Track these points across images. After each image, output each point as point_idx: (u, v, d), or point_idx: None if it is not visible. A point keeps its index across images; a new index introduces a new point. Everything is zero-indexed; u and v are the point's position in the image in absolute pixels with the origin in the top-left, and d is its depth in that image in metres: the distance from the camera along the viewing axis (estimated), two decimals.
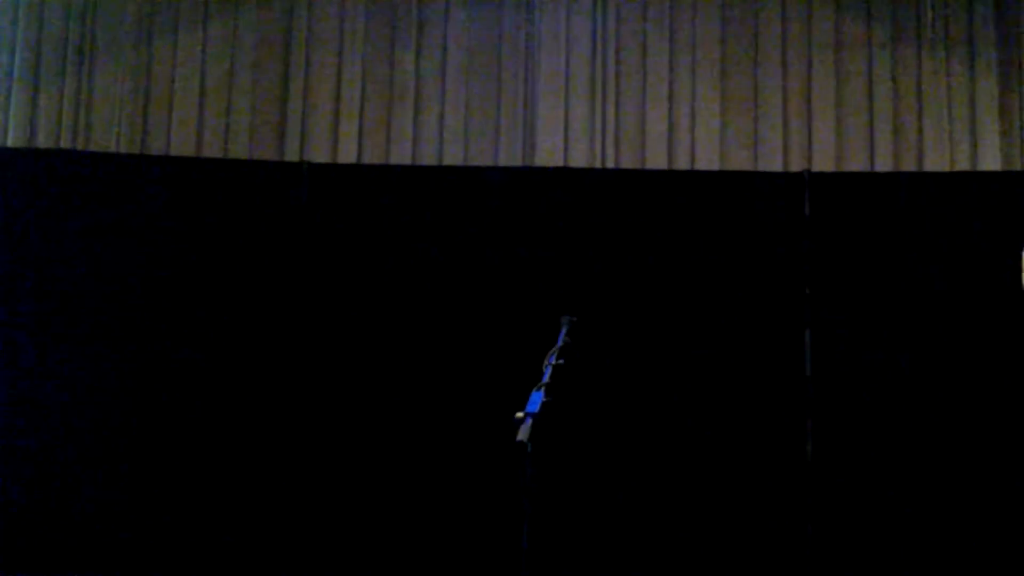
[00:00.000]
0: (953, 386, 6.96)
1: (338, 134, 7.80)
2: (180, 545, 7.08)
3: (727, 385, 7.05)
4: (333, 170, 7.55)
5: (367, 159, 7.76)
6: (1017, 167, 7.56)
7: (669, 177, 7.44)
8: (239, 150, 7.83)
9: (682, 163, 7.63)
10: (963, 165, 7.60)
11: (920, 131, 7.66)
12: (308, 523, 7.06)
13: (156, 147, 7.84)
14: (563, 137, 7.66)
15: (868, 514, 6.91)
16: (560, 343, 5.03)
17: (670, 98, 7.69)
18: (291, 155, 7.76)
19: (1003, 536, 6.81)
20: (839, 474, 6.94)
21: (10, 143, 7.81)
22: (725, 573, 6.91)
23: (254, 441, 7.15)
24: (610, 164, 7.65)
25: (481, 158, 7.72)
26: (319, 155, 7.74)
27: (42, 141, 7.84)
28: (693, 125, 7.65)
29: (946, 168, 7.58)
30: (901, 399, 6.99)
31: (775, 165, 7.60)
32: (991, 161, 7.61)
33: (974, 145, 7.66)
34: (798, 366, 7.01)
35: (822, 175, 7.40)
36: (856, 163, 7.62)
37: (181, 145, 7.81)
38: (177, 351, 7.25)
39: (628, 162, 7.64)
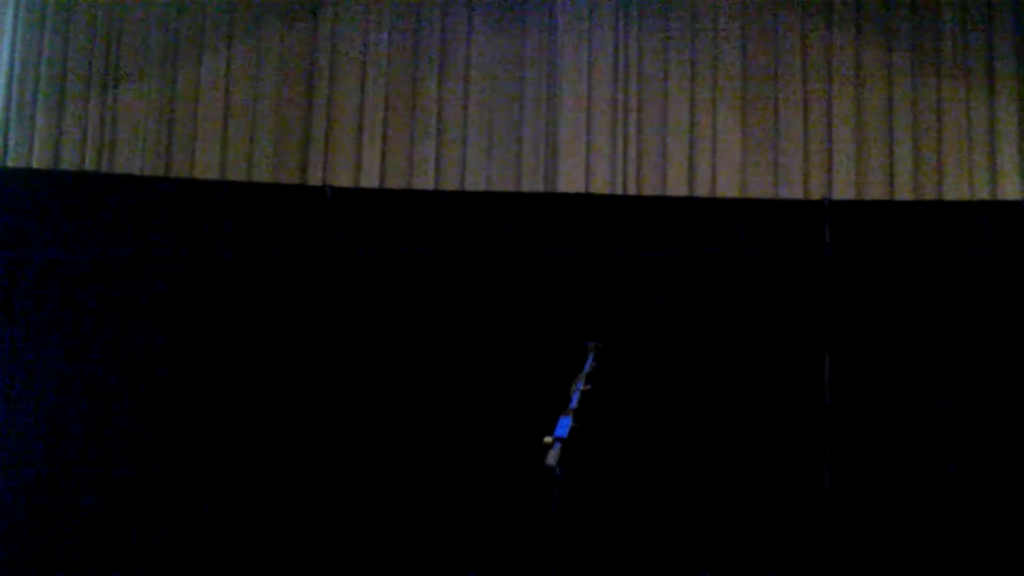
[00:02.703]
0: (972, 414, 6.98)
1: (361, 158, 7.84)
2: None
3: (747, 411, 7.07)
4: (356, 194, 7.60)
5: (389, 183, 7.79)
6: None
7: (690, 204, 7.48)
8: (262, 173, 7.86)
9: (703, 189, 7.67)
10: (983, 194, 7.63)
11: (940, 160, 7.68)
12: (329, 544, 7.09)
13: (180, 170, 7.88)
14: (585, 162, 7.70)
15: (886, 540, 6.92)
16: (587, 368, 5.08)
17: (691, 124, 7.73)
18: (314, 179, 7.79)
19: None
20: (857, 501, 6.96)
21: (34, 164, 7.84)
22: None
23: (274, 459, 7.17)
24: (631, 190, 7.68)
25: (503, 183, 7.75)
26: (342, 179, 7.78)
27: (66, 163, 7.88)
28: (714, 150, 7.68)
29: (966, 197, 7.60)
30: (920, 426, 7.00)
31: (795, 192, 7.63)
32: (1011, 190, 7.64)
33: (994, 174, 7.68)
34: (817, 393, 7.04)
35: (842, 203, 7.43)
36: (876, 191, 7.65)
37: (205, 168, 7.85)
38: (198, 371, 7.29)
39: (649, 188, 7.67)
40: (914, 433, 7.00)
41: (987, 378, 7.02)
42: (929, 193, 7.63)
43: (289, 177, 7.83)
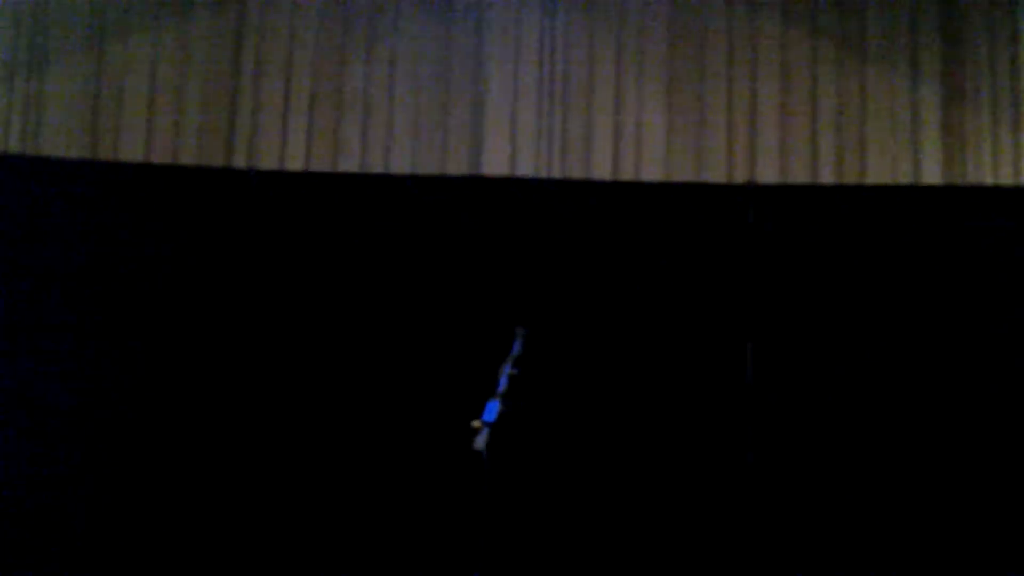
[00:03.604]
0: (894, 398, 7.04)
1: (286, 141, 7.81)
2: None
3: (671, 395, 7.11)
4: (281, 177, 7.58)
5: (315, 166, 7.77)
6: (958, 180, 7.65)
7: (614, 188, 7.51)
8: (188, 156, 7.82)
9: (627, 172, 7.69)
10: (905, 179, 7.68)
11: (863, 144, 7.73)
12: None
13: (105, 152, 7.83)
14: (510, 146, 7.70)
15: (807, 522, 6.98)
16: (515, 353, 5.11)
17: (616, 108, 7.74)
18: (239, 162, 7.76)
19: (945, 539, 6.90)
20: (779, 484, 7.01)
21: None
22: None
23: (195, 447, 7.15)
24: (556, 173, 7.69)
25: (428, 166, 7.75)
26: (267, 162, 7.75)
27: None
28: (639, 135, 7.70)
29: (888, 181, 7.65)
30: (841, 411, 7.06)
31: (719, 174, 7.66)
32: (932, 175, 7.70)
33: (917, 160, 7.74)
34: (739, 376, 7.08)
35: (766, 187, 7.48)
36: (799, 174, 7.69)
37: (130, 150, 7.80)
38: (111, 358, 7.26)
39: (574, 171, 7.69)
40: (835, 417, 7.06)
41: (908, 362, 7.09)
42: (852, 176, 7.67)
43: (215, 160, 7.79)
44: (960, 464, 6.93)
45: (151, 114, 7.90)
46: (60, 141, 7.86)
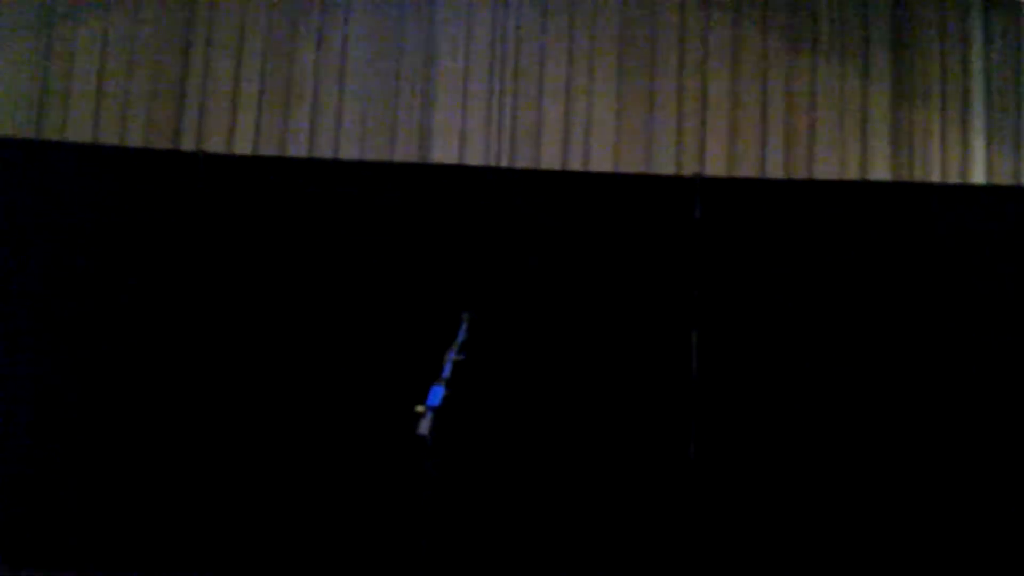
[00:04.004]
0: (837, 390, 7.07)
1: (235, 125, 7.79)
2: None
3: (616, 383, 7.11)
4: (228, 161, 7.54)
5: (263, 151, 7.74)
6: (905, 178, 7.69)
7: (563, 178, 7.51)
8: (136, 139, 7.78)
9: (576, 163, 7.70)
10: (853, 174, 7.72)
11: (812, 139, 7.77)
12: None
13: (52, 134, 7.78)
14: (460, 134, 7.70)
15: (748, 513, 6.99)
16: (460, 338, 5.11)
17: (566, 98, 7.76)
18: (188, 147, 7.73)
19: (885, 532, 6.92)
20: (721, 474, 7.03)
21: None
22: (610, 570, 6.97)
23: (137, 431, 7.11)
24: (505, 162, 7.69)
25: (377, 153, 7.74)
26: (215, 145, 7.73)
27: None
28: (588, 125, 7.72)
29: (835, 176, 7.69)
30: (785, 401, 7.08)
31: (668, 167, 7.69)
32: (881, 171, 7.74)
33: (864, 155, 7.78)
34: (685, 366, 7.09)
35: (713, 180, 7.49)
36: (748, 168, 7.72)
37: (78, 133, 7.76)
38: (54, 343, 7.20)
39: (523, 160, 7.69)
40: (778, 407, 7.08)
41: (851, 353, 7.12)
42: (800, 171, 7.71)
43: (163, 144, 7.75)
44: (906, 456, 6.97)
45: (99, 96, 7.85)
46: (7, 122, 7.79)
